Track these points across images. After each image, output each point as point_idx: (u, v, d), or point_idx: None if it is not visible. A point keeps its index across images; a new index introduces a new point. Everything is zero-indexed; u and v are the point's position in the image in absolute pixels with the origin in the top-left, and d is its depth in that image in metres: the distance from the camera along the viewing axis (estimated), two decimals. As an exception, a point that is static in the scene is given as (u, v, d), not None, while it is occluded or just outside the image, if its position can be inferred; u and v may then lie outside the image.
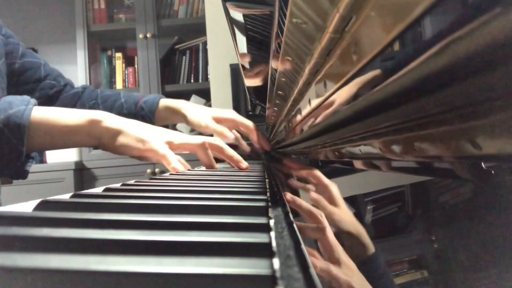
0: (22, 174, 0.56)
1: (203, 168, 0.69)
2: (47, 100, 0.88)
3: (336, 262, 0.41)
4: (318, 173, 0.56)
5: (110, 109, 0.87)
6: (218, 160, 0.70)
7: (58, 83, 0.90)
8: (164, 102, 0.89)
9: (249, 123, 0.86)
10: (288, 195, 0.49)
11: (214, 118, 0.82)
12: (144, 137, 0.58)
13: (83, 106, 0.89)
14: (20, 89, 0.83)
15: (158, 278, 0.12)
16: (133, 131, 0.57)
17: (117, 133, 0.57)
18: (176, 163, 0.59)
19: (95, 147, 0.61)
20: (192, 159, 0.82)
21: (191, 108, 0.85)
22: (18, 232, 0.14)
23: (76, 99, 0.91)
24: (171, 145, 0.61)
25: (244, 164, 0.65)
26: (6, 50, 0.82)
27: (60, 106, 0.59)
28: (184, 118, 0.85)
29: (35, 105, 0.55)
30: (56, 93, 0.90)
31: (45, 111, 0.55)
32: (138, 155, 0.58)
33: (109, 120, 0.57)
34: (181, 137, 0.63)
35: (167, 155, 0.58)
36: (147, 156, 0.58)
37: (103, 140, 0.57)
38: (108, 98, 0.90)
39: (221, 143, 0.66)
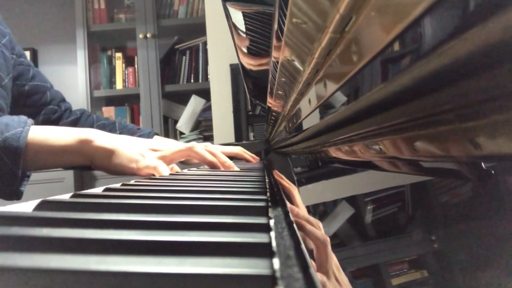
0: (17, 194, 0.56)
1: (203, 168, 0.69)
2: (49, 124, 0.89)
3: (330, 274, 0.41)
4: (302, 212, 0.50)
5: None
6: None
7: (60, 108, 0.93)
8: (157, 138, 0.91)
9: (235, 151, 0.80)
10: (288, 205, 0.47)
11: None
12: (136, 157, 0.57)
13: None
14: (25, 110, 0.84)
15: (158, 278, 0.12)
16: (125, 150, 0.57)
17: (109, 153, 0.56)
18: (163, 170, 0.58)
19: (89, 168, 0.60)
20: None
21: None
22: (18, 232, 0.14)
23: (74, 126, 0.93)
24: (165, 159, 0.61)
25: (230, 163, 0.66)
26: (18, 71, 0.83)
27: None
28: None
29: (31, 124, 0.54)
30: (57, 118, 0.93)
31: (40, 131, 0.55)
32: (133, 174, 0.58)
33: (100, 139, 0.56)
34: (170, 148, 0.63)
35: (159, 168, 0.57)
36: (141, 174, 0.57)
37: (95, 161, 0.56)
38: (103, 128, 0.92)
39: (211, 147, 0.66)
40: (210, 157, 0.64)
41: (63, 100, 0.96)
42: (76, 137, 0.55)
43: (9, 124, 0.52)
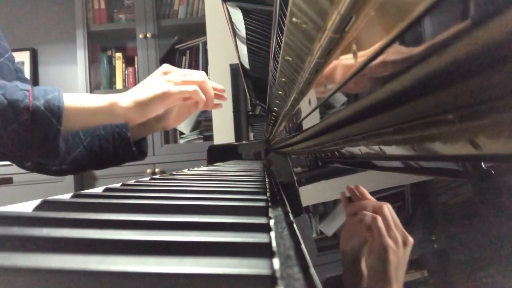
0: (57, 151, 0.62)
1: (203, 168, 0.69)
2: None
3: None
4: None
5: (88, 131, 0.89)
6: (219, 160, 0.70)
7: None
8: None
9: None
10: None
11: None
12: (160, 90, 0.66)
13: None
14: None
15: (158, 278, 0.12)
16: (146, 94, 0.66)
17: (135, 106, 0.65)
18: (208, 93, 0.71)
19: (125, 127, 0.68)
20: (193, 159, 0.82)
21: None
22: (18, 232, 0.14)
23: None
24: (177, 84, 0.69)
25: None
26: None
27: None
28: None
29: None
30: None
31: (73, 96, 0.64)
32: (167, 107, 0.68)
33: (124, 99, 0.66)
34: (184, 76, 0.70)
35: (197, 90, 0.69)
36: (174, 101, 0.68)
37: (129, 119, 0.66)
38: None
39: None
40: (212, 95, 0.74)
41: None
42: (106, 100, 0.65)
43: (47, 89, 0.60)
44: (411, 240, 0.28)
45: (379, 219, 0.28)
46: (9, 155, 0.60)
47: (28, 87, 0.59)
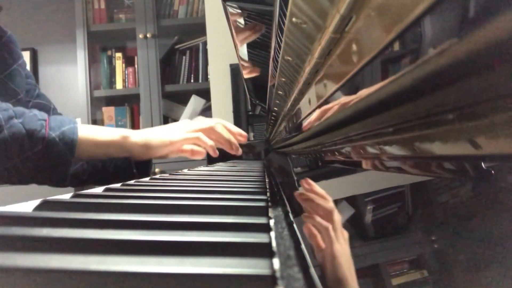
0: (64, 181, 0.66)
1: (203, 168, 0.70)
2: None
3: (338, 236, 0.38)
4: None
5: None
6: (219, 160, 0.72)
7: None
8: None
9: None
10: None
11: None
12: (168, 137, 0.71)
13: None
14: None
15: (158, 278, 0.12)
16: (155, 137, 0.70)
17: (144, 144, 0.69)
18: (205, 138, 0.73)
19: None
20: (193, 159, 0.83)
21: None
22: (19, 232, 0.14)
23: None
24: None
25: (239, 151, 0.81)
26: (25, 88, 0.90)
27: None
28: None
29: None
30: None
31: (87, 128, 0.66)
32: (170, 153, 0.72)
33: (135, 135, 0.69)
34: (195, 125, 0.76)
35: (198, 135, 0.73)
36: (178, 150, 0.72)
37: (134, 153, 0.69)
38: None
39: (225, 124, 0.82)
40: (228, 135, 0.78)
41: None
42: (118, 134, 0.68)
43: (64, 120, 0.63)
44: (347, 234, 0.36)
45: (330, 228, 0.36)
46: (16, 180, 0.63)
47: (46, 116, 0.62)
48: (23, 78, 0.89)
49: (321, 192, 0.42)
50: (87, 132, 0.65)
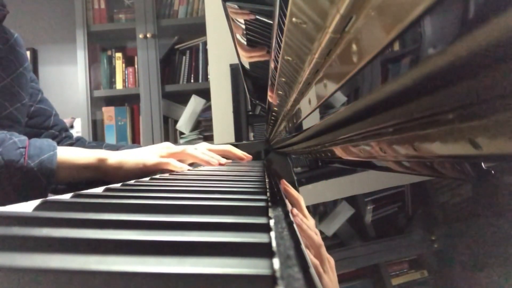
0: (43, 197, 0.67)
1: (203, 168, 0.70)
2: None
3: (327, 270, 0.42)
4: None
5: None
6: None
7: (60, 135, 0.98)
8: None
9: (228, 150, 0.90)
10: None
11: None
12: (141, 160, 0.71)
13: None
14: (26, 130, 0.90)
15: (158, 278, 0.12)
16: (130, 159, 0.71)
17: (118, 167, 0.69)
18: (177, 163, 0.71)
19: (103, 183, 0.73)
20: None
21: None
22: (18, 232, 0.14)
23: None
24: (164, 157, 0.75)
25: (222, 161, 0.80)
26: (29, 92, 0.90)
27: None
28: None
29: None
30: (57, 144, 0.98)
31: (65, 152, 0.67)
32: (143, 174, 0.70)
33: (111, 157, 0.70)
34: (169, 149, 0.77)
35: (169, 162, 0.71)
36: (151, 170, 0.71)
37: (109, 175, 0.69)
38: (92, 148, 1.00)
39: (200, 147, 0.82)
40: (202, 156, 0.77)
41: (65, 129, 1.00)
42: (95, 157, 0.68)
43: (43, 148, 0.63)
44: (333, 261, 0.40)
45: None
46: None
47: (25, 142, 0.63)
48: (28, 81, 0.89)
49: (311, 224, 0.45)
50: (65, 156, 0.66)
